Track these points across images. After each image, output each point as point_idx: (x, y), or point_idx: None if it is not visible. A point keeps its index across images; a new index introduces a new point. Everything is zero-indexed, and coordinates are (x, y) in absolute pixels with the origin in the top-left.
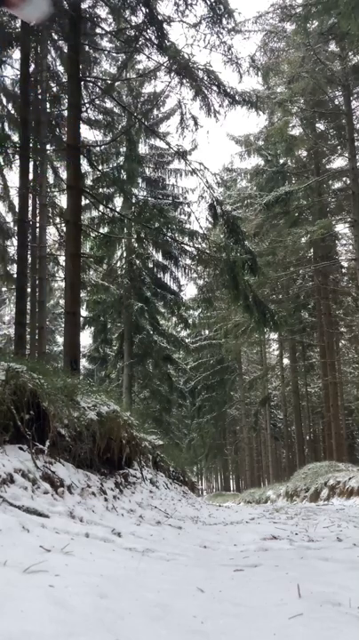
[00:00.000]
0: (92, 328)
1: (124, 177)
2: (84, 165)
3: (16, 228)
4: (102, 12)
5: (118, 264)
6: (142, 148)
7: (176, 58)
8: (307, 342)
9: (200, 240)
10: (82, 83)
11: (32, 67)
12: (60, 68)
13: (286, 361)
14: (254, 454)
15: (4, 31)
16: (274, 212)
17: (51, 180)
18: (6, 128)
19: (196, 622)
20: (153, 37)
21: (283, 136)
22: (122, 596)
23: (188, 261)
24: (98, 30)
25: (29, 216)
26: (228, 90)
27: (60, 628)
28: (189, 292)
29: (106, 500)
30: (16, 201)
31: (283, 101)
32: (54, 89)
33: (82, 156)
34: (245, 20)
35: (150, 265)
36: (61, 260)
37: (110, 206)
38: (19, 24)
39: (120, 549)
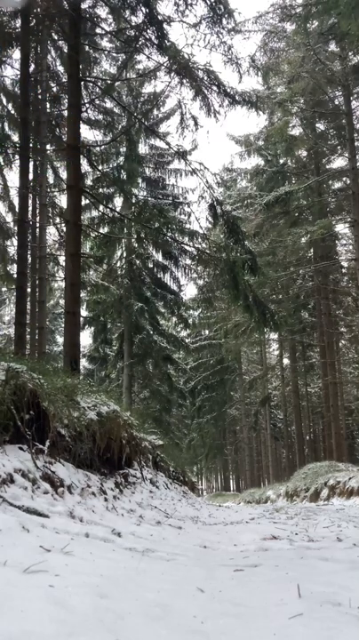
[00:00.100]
0: (92, 328)
1: (124, 177)
2: (84, 165)
3: (16, 228)
4: (102, 12)
5: (118, 264)
6: (142, 148)
7: (176, 58)
8: (307, 342)
9: (200, 240)
10: (82, 83)
11: (32, 67)
12: (60, 68)
13: (286, 361)
14: (254, 454)
15: (4, 31)
16: (274, 211)
17: (51, 180)
18: (6, 128)
19: (196, 622)
20: (153, 37)
21: (283, 136)
22: (122, 595)
23: (188, 261)
24: (98, 30)
25: (29, 216)
26: (228, 90)
27: (60, 628)
28: (189, 292)
29: (106, 500)
30: (16, 201)
31: (283, 101)
32: (54, 89)
33: (82, 156)
34: (245, 20)
35: (150, 265)
36: (61, 259)
37: (110, 206)
38: (19, 24)
39: (120, 549)
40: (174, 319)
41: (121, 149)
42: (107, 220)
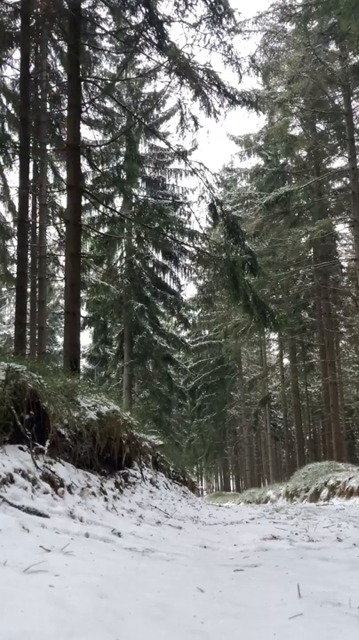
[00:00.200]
0: (92, 328)
1: (124, 177)
2: (84, 165)
3: (16, 228)
4: (102, 12)
5: (118, 264)
6: (142, 148)
7: (176, 58)
8: (307, 342)
9: (200, 240)
10: (82, 83)
11: (32, 67)
12: (60, 68)
13: (286, 361)
14: (254, 454)
15: (4, 31)
16: (274, 212)
17: (51, 180)
18: (6, 128)
19: (196, 622)
20: (153, 37)
21: (283, 136)
22: (122, 595)
23: (188, 261)
24: (98, 30)
25: (29, 216)
26: (228, 90)
27: (60, 628)
28: (189, 292)
29: (106, 500)
30: (16, 201)
31: (283, 101)
32: (54, 89)
33: (82, 156)
34: (245, 20)
35: (150, 265)
36: (61, 260)
37: (110, 206)
38: (19, 24)
39: (120, 549)
40: (174, 319)
41: (121, 149)
42: (107, 219)
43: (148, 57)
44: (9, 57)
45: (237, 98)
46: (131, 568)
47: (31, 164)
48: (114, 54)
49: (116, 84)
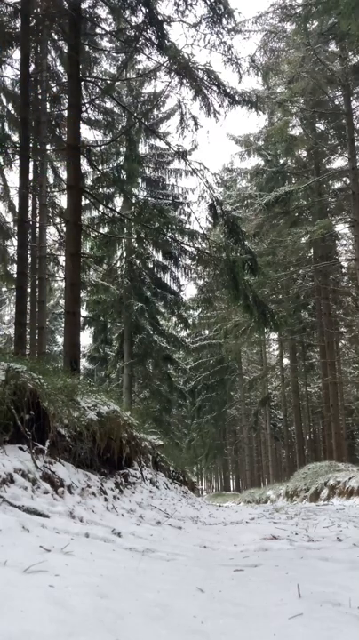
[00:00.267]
0: (92, 328)
1: (124, 177)
2: (84, 165)
3: (16, 228)
4: (102, 12)
5: (118, 264)
6: (142, 148)
7: (176, 58)
8: (307, 342)
9: (200, 240)
10: (82, 83)
11: (32, 67)
12: (60, 68)
13: (286, 361)
14: (254, 454)
15: (4, 31)
16: (274, 212)
17: (51, 180)
18: (6, 128)
19: (196, 622)
20: (153, 37)
21: (283, 136)
22: (122, 595)
23: (188, 261)
24: (98, 30)
25: (29, 216)
26: (228, 90)
27: (60, 628)
28: (189, 292)
29: (106, 500)
30: (16, 201)
31: (283, 101)
32: (54, 89)
33: (82, 156)
34: (245, 20)
35: (150, 265)
36: (61, 260)
37: (110, 206)
38: (19, 24)
39: (120, 549)
40: (174, 319)
41: (121, 149)
42: (107, 219)
43: (148, 57)
44: (9, 57)
45: (237, 98)
46: (131, 568)
47: (31, 164)
48: (114, 54)
49: (116, 84)
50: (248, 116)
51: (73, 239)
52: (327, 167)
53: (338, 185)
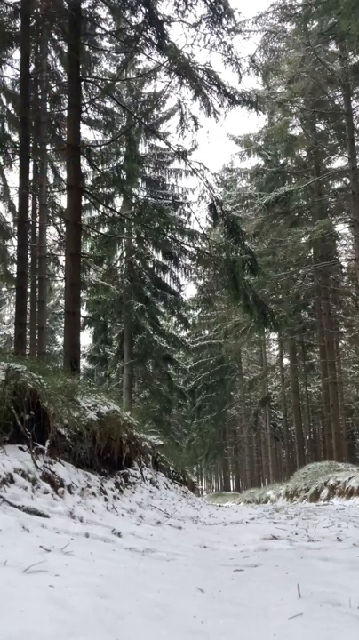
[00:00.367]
0: (92, 328)
1: (124, 177)
2: (84, 165)
3: (16, 228)
4: (102, 12)
5: (118, 264)
6: (142, 148)
7: (176, 58)
8: (307, 342)
9: (200, 240)
10: (82, 83)
11: (32, 67)
12: (60, 68)
13: (286, 361)
14: (254, 454)
15: (4, 31)
16: (274, 212)
17: (51, 180)
18: (6, 128)
19: (196, 622)
20: (153, 37)
21: (283, 136)
22: (122, 595)
23: (188, 261)
24: (98, 30)
25: (29, 216)
26: (228, 90)
27: (60, 628)
28: (189, 292)
29: (106, 499)
30: (16, 201)
31: (283, 101)
32: (54, 89)
33: (82, 156)
34: (245, 20)
35: (150, 265)
36: (61, 259)
37: (110, 206)
38: (19, 24)
39: (120, 549)
40: (174, 319)
41: (121, 149)
42: (107, 219)
43: (148, 57)
44: (9, 57)
45: (237, 98)
46: (131, 568)
47: (31, 164)
48: (114, 54)
49: (116, 84)
50: (248, 116)
51: (73, 239)
52: (327, 167)
53: (338, 185)
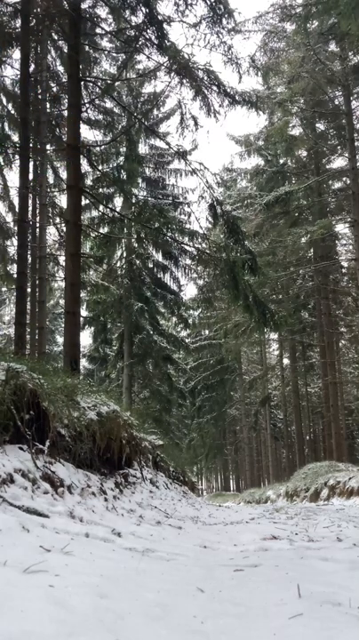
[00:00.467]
0: (92, 328)
1: (124, 177)
2: (84, 165)
3: (16, 228)
4: (102, 12)
5: (118, 264)
6: (142, 148)
7: (176, 58)
8: (307, 342)
9: (200, 240)
10: (82, 83)
11: (32, 67)
12: (60, 68)
13: (286, 361)
14: (254, 454)
15: (4, 31)
16: (274, 212)
17: (51, 180)
18: (6, 128)
19: (196, 622)
20: (153, 37)
21: (283, 136)
22: (122, 595)
23: (188, 261)
24: (98, 30)
25: (29, 216)
26: (228, 90)
27: (60, 628)
28: (189, 292)
29: (106, 499)
30: (16, 201)
31: (283, 101)
32: (54, 89)
33: (82, 156)
34: (245, 20)
35: (150, 265)
36: (61, 259)
37: (110, 206)
38: (19, 24)
39: (120, 549)
40: (174, 319)
41: (121, 149)
42: (107, 219)
43: (148, 57)
44: (9, 57)
45: (237, 98)
46: (131, 568)
47: (31, 164)
48: (114, 54)
49: (116, 83)
50: (248, 116)
51: (73, 239)
52: (327, 167)
53: (338, 185)
